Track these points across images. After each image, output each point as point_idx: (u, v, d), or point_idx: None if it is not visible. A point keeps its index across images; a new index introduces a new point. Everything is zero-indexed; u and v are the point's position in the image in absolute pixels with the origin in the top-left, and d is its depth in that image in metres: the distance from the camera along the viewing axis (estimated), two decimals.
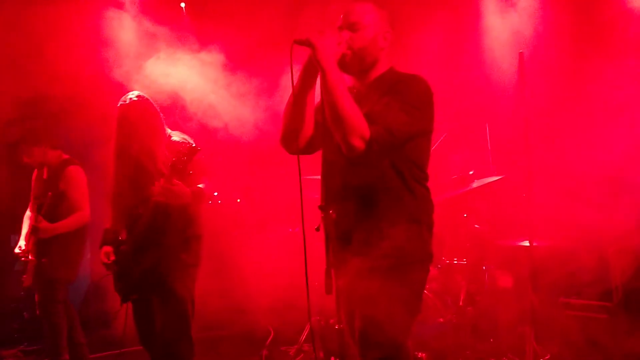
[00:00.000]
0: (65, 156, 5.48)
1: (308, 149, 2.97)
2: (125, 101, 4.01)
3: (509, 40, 5.85)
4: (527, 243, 4.54)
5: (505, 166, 5.37)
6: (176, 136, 4.11)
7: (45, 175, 5.42)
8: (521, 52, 4.55)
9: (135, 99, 4.01)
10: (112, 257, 4.03)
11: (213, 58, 4.29)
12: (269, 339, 5.79)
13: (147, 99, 4.05)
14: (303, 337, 5.26)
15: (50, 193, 5.19)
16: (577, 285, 4.93)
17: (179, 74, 4.21)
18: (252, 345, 5.95)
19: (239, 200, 6.92)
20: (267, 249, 5.60)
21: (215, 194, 6.34)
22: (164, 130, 4.09)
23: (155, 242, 3.90)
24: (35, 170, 5.55)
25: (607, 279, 4.73)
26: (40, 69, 4.82)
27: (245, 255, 5.54)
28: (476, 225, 5.32)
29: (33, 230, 5.19)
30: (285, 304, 5.21)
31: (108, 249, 4.07)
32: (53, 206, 5.22)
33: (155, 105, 4.07)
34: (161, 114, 4.10)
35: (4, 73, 5.09)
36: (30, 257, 5.26)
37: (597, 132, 5.12)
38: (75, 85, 4.82)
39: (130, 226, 4.03)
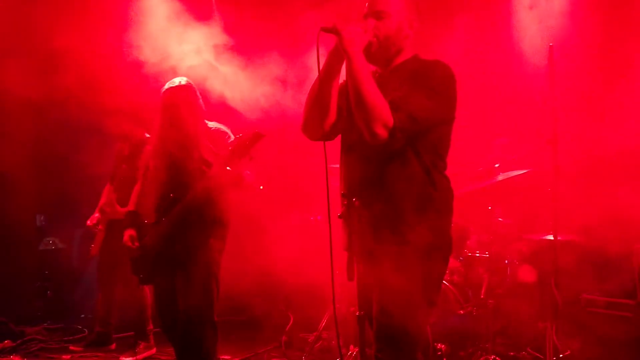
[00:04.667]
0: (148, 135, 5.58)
1: (330, 135, 2.97)
2: (172, 85, 4.03)
3: (539, 33, 5.77)
4: (551, 238, 4.49)
5: (531, 160, 5.31)
6: (212, 124, 4.13)
7: (126, 152, 5.55)
8: (551, 45, 4.49)
9: (184, 84, 4.03)
10: (137, 243, 4.06)
11: (238, 44, 4.29)
12: (289, 325, 5.81)
13: (193, 87, 4.07)
14: (322, 324, 5.27)
15: (124, 168, 5.32)
16: (600, 281, 4.87)
17: (204, 60, 4.22)
18: (271, 331, 5.98)
19: (261, 188, 6.93)
20: (288, 236, 5.60)
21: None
22: (204, 118, 4.10)
23: (188, 227, 3.92)
24: (118, 146, 5.65)
25: (632, 276, 4.67)
26: (59, 52, 4.86)
27: (267, 242, 5.55)
28: (500, 219, 5.28)
29: (101, 211, 5.34)
30: (306, 290, 5.23)
31: (133, 232, 4.10)
32: (126, 183, 5.34)
33: (199, 93, 4.09)
34: (202, 102, 4.11)
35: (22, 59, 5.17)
36: (100, 226, 5.41)
37: (626, 126, 5.04)
38: (95, 68, 4.86)
39: (164, 210, 4.04)
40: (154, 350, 5.60)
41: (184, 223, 3.91)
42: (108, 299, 5.73)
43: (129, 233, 4.11)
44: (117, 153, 5.69)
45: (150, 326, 5.59)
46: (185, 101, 4.00)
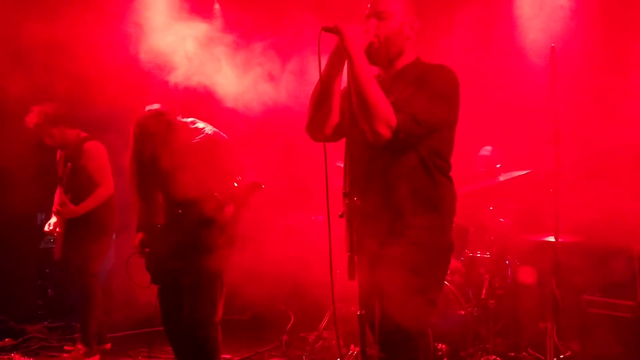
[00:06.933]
0: (84, 134, 5.54)
1: (333, 137, 2.97)
2: (142, 116, 3.95)
3: (541, 33, 5.77)
4: (552, 238, 4.50)
5: (533, 160, 5.31)
6: (199, 124, 4.10)
7: (69, 152, 5.51)
8: (553, 45, 4.49)
9: (153, 113, 3.95)
10: (147, 249, 4.02)
11: (240, 43, 4.28)
12: (289, 325, 5.82)
13: (165, 113, 3.98)
14: (323, 323, 5.27)
15: (68, 168, 5.28)
16: (601, 282, 4.87)
17: (205, 58, 4.20)
18: (272, 330, 5.98)
19: (263, 187, 6.93)
20: (290, 236, 5.61)
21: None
22: (186, 141, 4.01)
23: (198, 233, 3.91)
24: (58, 151, 5.63)
25: (633, 277, 4.67)
26: (57, 50, 4.84)
27: (268, 242, 5.55)
28: (501, 219, 5.28)
29: (57, 213, 5.28)
30: (306, 290, 5.23)
31: (143, 236, 4.06)
32: (76, 183, 5.30)
33: (173, 118, 4.00)
34: (179, 120, 4.05)
35: (21, 56, 5.15)
36: (58, 229, 5.36)
37: (627, 126, 5.04)
38: (91, 65, 4.85)
39: (172, 222, 4.03)
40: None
41: (192, 235, 3.92)
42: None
43: (139, 237, 4.08)
44: (58, 159, 5.61)
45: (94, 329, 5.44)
46: (158, 130, 3.92)
